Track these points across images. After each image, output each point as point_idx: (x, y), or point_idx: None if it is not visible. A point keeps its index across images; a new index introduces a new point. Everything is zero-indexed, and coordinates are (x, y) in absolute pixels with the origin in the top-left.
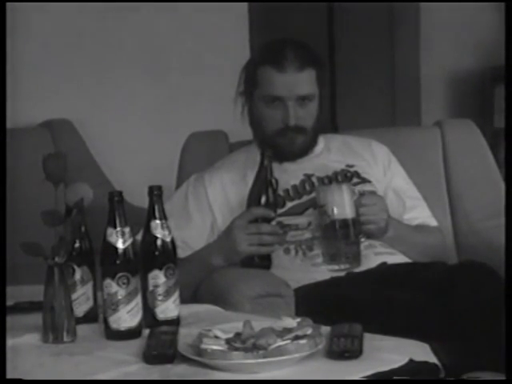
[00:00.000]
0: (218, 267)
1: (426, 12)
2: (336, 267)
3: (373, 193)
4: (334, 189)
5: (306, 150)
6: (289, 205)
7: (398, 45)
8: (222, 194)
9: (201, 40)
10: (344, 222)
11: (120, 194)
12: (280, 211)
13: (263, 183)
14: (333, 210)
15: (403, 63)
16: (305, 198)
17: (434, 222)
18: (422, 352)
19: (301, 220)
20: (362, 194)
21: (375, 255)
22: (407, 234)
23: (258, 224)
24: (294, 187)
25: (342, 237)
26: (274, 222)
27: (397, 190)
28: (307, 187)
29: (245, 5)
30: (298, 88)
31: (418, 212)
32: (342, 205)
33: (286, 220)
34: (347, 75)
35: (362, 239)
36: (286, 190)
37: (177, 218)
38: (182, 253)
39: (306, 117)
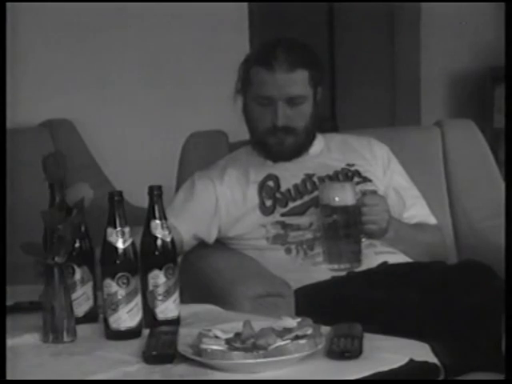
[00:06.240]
0: None
1: (426, 12)
2: (336, 266)
3: (374, 192)
4: (337, 187)
5: (297, 150)
6: (291, 205)
7: (398, 45)
8: (229, 190)
9: (201, 40)
10: (346, 221)
11: (120, 193)
12: (282, 211)
13: None
14: (335, 209)
15: (403, 63)
16: (306, 198)
17: (433, 220)
18: (422, 352)
19: (302, 220)
20: (363, 194)
21: (376, 254)
22: (407, 234)
23: None
24: (296, 187)
25: (343, 236)
26: (275, 222)
27: (397, 188)
28: (308, 187)
29: (245, 5)
30: (288, 88)
31: (417, 210)
32: (344, 204)
33: (288, 220)
34: (347, 75)
35: (363, 239)
36: (288, 190)
37: (176, 204)
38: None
39: (296, 117)
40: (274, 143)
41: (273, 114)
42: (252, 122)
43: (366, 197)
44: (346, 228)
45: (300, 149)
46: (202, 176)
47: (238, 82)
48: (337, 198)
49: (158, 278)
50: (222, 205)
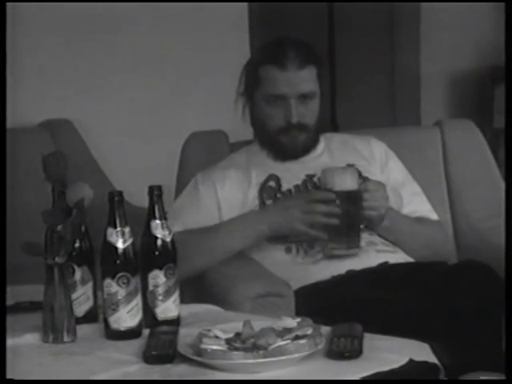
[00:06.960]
0: (261, 236)
1: (426, 12)
2: (334, 252)
3: None
4: (339, 172)
5: (308, 148)
6: None
7: (398, 45)
8: (230, 192)
9: (201, 40)
10: (347, 207)
11: (120, 193)
12: None
13: None
14: (336, 193)
15: (403, 63)
16: None
17: (434, 216)
18: (422, 352)
19: None
20: (365, 179)
21: (376, 253)
22: (404, 224)
23: (315, 204)
24: (297, 187)
25: (343, 221)
26: None
27: (395, 186)
28: (309, 188)
29: (245, 5)
30: (300, 85)
31: (418, 206)
32: (345, 188)
33: None
34: (347, 75)
35: (361, 226)
36: (289, 190)
37: (187, 207)
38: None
39: (308, 114)
40: (287, 141)
41: (286, 112)
42: (262, 121)
43: (368, 182)
44: (346, 213)
45: (310, 146)
46: (205, 179)
47: (241, 85)
48: (338, 183)
49: (158, 278)
50: (223, 209)
